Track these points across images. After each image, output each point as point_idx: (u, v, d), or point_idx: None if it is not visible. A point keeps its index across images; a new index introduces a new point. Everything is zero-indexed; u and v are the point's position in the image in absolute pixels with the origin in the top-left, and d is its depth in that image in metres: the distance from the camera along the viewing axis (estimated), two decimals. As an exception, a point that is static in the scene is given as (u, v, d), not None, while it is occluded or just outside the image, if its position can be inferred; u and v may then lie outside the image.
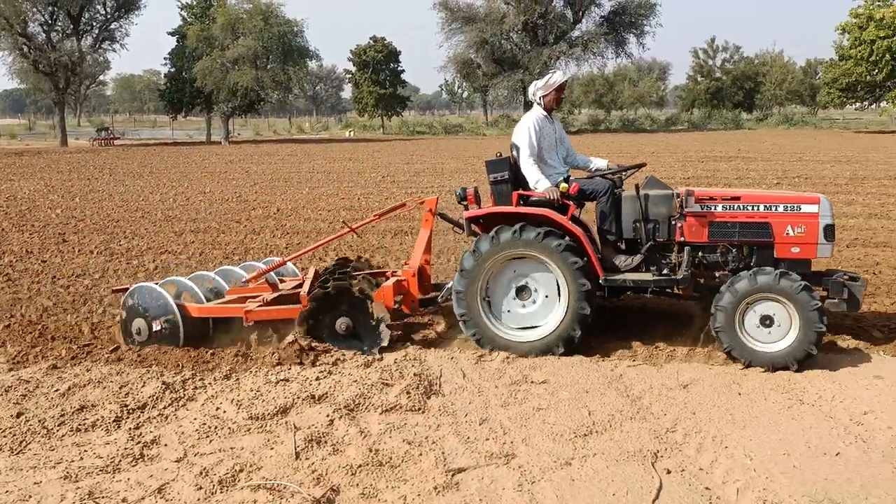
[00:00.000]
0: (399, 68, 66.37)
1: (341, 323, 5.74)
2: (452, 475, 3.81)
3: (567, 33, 49.80)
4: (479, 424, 4.42)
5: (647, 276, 5.79)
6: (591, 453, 4.04)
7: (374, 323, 5.71)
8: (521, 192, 5.95)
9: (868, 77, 45.92)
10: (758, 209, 5.68)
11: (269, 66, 47.97)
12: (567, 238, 5.60)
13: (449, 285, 6.22)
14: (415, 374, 5.12)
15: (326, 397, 4.80)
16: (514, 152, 6.10)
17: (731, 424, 4.39)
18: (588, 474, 3.80)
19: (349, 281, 5.97)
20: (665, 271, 5.76)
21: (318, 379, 5.13)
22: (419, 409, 4.66)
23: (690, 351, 5.74)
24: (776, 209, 5.66)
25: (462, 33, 50.23)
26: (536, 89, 6.15)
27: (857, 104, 52.22)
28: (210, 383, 5.11)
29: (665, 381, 5.11)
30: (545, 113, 6.15)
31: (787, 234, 5.63)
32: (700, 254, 5.79)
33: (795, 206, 5.64)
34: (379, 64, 64.60)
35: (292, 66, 48.72)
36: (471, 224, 6.08)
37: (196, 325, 5.96)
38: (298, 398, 4.74)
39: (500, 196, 5.95)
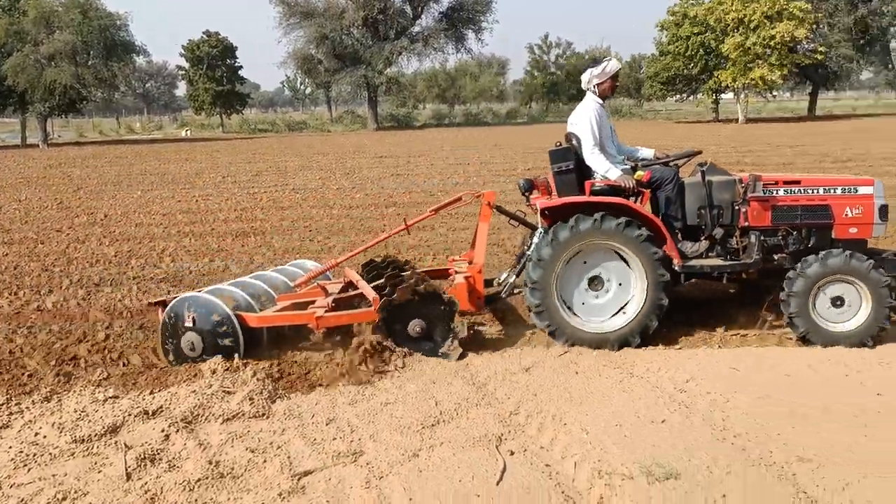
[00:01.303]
0: (236, 64, 64.04)
1: (415, 325, 5.41)
2: (298, 479, 3.71)
3: (407, 29, 50.27)
4: (326, 425, 4.34)
5: (722, 262, 5.83)
6: (438, 443, 4.07)
7: (450, 323, 5.44)
8: (594, 181, 5.85)
9: (685, 71, 49.82)
10: (818, 192, 5.82)
11: (90, 63, 44.66)
12: (645, 228, 5.57)
13: (511, 279, 6.11)
14: (258, 380, 4.94)
15: (161, 411, 4.51)
16: (574, 142, 5.96)
17: (569, 402, 4.58)
18: (435, 464, 3.83)
19: (423, 280, 5.55)
20: (733, 256, 5.84)
21: (151, 393, 4.82)
22: (263, 414, 4.50)
23: (532, 336, 5.93)
24: (835, 192, 5.81)
25: (301, 28, 49.31)
26: (592, 77, 6.02)
27: (677, 96, 56.55)
28: (28, 407, 4.66)
29: (508, 366, 5.25)
30: (601, 101, 6.08)
31: (846, 215, 5.78)
32: (762, 237, 5.82)
33: (853, 188, 5.82)
34: (214, 59, 61.98)
35: (116, 62, 45.68)
36: (545, 214, 5.80)
37: (252, 336, 5.46)
38: (129, 415, 4.43)
39: (564, 186, 5.83)
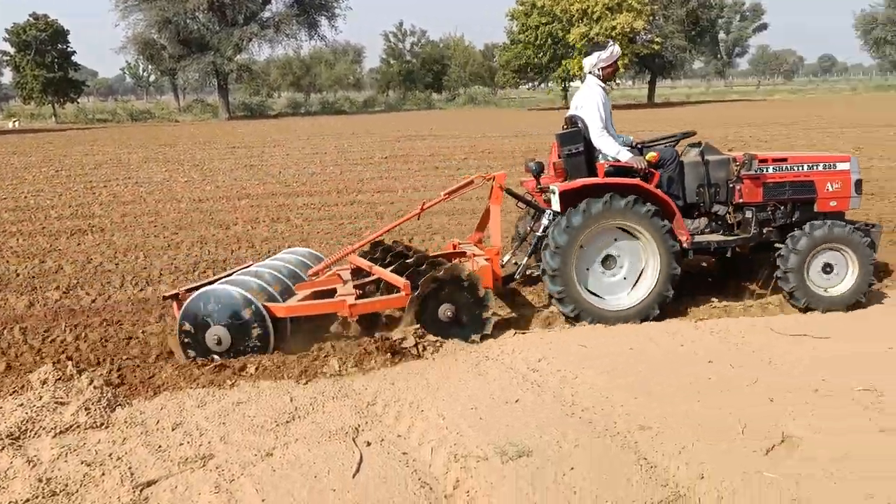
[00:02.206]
0: (69, 49, 59.28)
1: (445, 310, 5.28)
2: (141, 490, 3.48)
3: (257, 14, 48.60)
4: (173, 430, 4.10)
5: (726, 237, 6.08)
6: (293, 439, 3.96)
7: (479, 308, 5.36)
8: (606, 163, 5.94)
9: (535, 60, 51.51)
10: (802, 169, 6.15)
11: None
12: (651, 204, 5.69)
13: (523, 261, 6.18)
14: (95, 387, 4.58)
15: (-18, 430, 4.09)
16: (580, 125, 6.03)
17: (426, 389, 4.59)
18: (290, 461, 3.72)
19: (451, 265, 5.46)
20: (731, 231, 6.10)
21: (-30, 410, 4.36)
22: (102, 424, 4.19)
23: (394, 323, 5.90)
24: (817, 168, 6.17)
25: (141, 11, 46.38)
26: (599, 61, 6.10)
27: (529, 84, 58.41)
28: None
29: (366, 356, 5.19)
30: (604, 85, 6.18)
31: (827, 189, 6.14)
32: (756, 212, 6.07)
33: (832, 164, 6.20)
34: (43, 44, 57.07)
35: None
36: (566, 197, 5.75)
37: (279, 327, 5.17)
38: (-57, 437, 3.98)
39: (574, 169, 5.90)
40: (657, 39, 49.57)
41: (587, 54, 6.25)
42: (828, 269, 6.00)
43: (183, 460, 3.75)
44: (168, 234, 9.89)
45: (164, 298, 5.78)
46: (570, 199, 5.71)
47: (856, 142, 19.78)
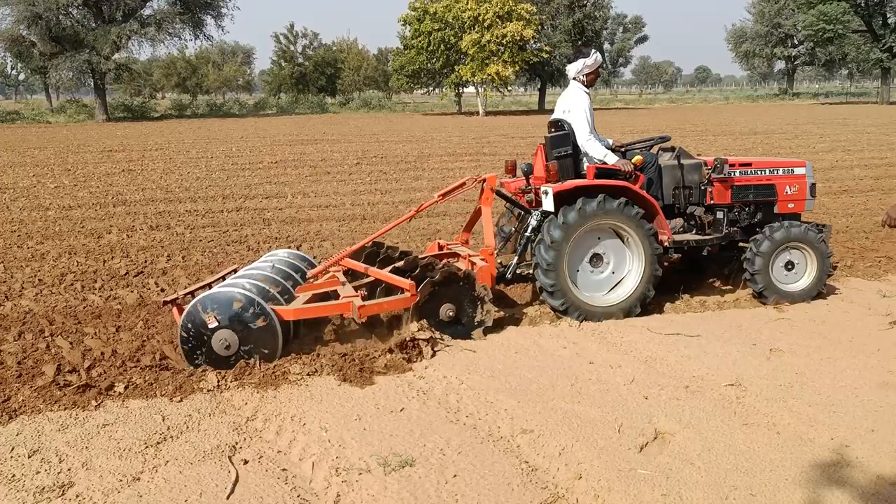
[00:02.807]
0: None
1: (447, 309, 5.43)
2: (-11, 527, 3.19)
3: (137, 11, 46.32)
4: (29, 457, 3.79)
5: (702, 237, 6.40)
6: (163, 462, 3.75)
7: (479, 306, 5.52)
8: (598, 165, 6.16)
9: (428, 65, 51.80)
10: (765, 173, 6.53)
11: None
12: (638, 206, 5.92)
13: (513, 261, 6.26)
14: (-59, 414, 4.19)
15: None
16: (566, 128, 6.27)
17: (309, 401, 4.47)
18: (159, 485, 3.52)
19: (453, 266, 5.61)
20: (705, 231, 6.43)
21: None
22: (-53, 455, 3.82)
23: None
24: (777, 172, 6.56)
25: (7, 6, 43.26)
26: (584, 67, 6.35)
27: (423, 89, 58.66)
28: None
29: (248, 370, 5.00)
30: (587, 90, 6.41)
31: (786, 192, 6.55)
32: (724, 213, 6.40)
33: (790, 169, 6.61)
34: None
35: None
36: (559, 198, 5.90)
37: (284, 330, 5.09)
38: None
39: (562, 171, 6.09)
40: (546, 48, 50.93)
41: (572, 61, 6.44)
42: (790, 267, 6.40)
43: (39, 490, 3.47)
44: (32, 245, 9.21)
45: (164, 304, 5.61)
46: (563, 200, 5.90)
47: (727, 148, 21.00)
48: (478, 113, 49.65)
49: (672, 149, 6.69)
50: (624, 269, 6.10)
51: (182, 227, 10.30)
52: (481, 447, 3.85)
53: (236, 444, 3.94)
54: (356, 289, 5.59)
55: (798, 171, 6.65)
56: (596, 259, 6.10)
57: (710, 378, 4.67)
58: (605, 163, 6.21)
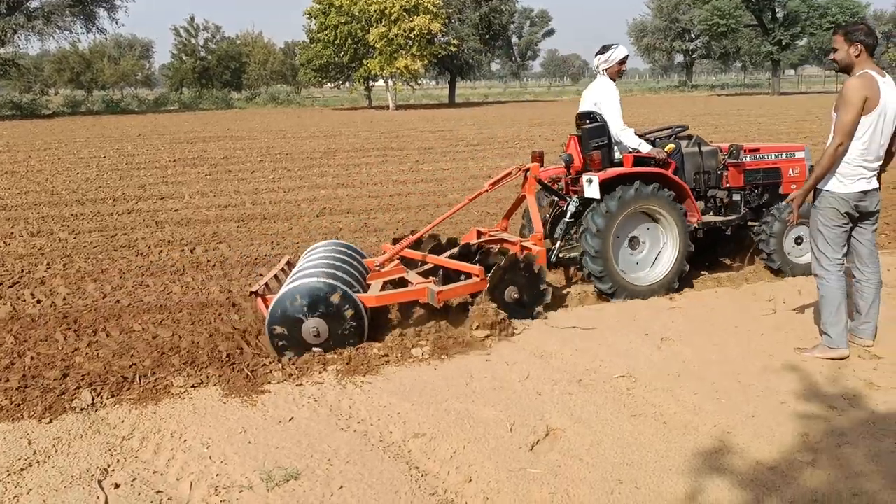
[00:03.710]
0: None
1: (511, 292, 5.71)
2: None
3: (23, 3, 43.75)
4: None
5: (726, 217, 6.93)
6: (25, 490, 3.46)
7: (540, 287, 5.81)
8: (634, 154, 6.48)
9: (336, 59, 51.08)
10: (771, 157, 7.09)
11: None
12: (669, 189, 6.35)
13: (556, 246, 6.50)
14: None
15: None
16: (599, 119, 6.56)
17: (192, 415, 4.24)
18: (17, 518, 3.24)
19: (514, 252, 5.98)
20: (725, 212, 6.97)
21: None
22: None
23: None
24: (781, 156, 7.13)
25: None
26: (600, 63, 6.61)
27: (332, 84, 57.83)
28: None
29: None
30: (614, 82, 6.65)
31: (790, 174, 7.12)
32: (741, 195, 6.96)
33: (792, 153, 7.19)
34: None
35: None
36: (604, 185, 6.17)
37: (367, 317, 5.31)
38: None
39: (591, 160, 6.35)
40: (454, 41, 51.11)
41: (598, 54, 6.70)
42: (799, 241, 7.00)
43: None
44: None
45: (250, 294, 5.76)
46: (607, 187, 6.19)
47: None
48: (388, 107, 49.37)
49: (690, 137, 7.16)
50: (660, 250, 6.54)
51: (66, 232, 9.72)
52: (371, 455, 3.74)
53: (108, 466, 3.69)
54: (423, 276, 5.93)
55: (798, 154, 7.25)
56: (634, 241, 6.52)
57: (602, 370, 4.71)
58: (639, 151, 6.55)
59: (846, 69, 4.63)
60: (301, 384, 4.65)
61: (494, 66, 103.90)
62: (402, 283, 5.86)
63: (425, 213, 10.84)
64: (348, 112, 47.09)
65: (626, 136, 6.57)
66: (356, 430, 4.03)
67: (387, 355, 5.05)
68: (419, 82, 54.90)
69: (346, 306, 5.11)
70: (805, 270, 6.76)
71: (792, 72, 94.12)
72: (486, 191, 6.66)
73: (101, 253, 8.54)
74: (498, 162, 16.97)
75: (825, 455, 3.51)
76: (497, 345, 5.22)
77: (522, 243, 6.33)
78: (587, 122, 6.66)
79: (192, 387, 4.64)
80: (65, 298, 6.79)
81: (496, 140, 22.78)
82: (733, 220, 6.96)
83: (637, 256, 6.54)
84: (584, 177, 6.26)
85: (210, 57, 69.84)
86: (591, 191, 6.17)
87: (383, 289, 5.68)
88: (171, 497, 3.42)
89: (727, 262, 7.57)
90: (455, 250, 6.34)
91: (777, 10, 62.34)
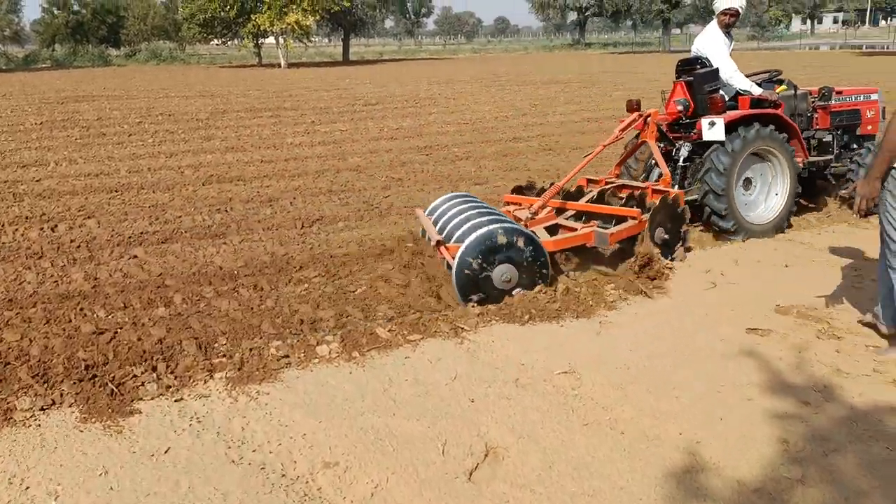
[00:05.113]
0: None
1: (660, 233, 5.72)
2: None
3: None
4: None
5: (825, 157, 7.18)
6: None
7: (681, 228, 5.88)
8: (746, 95, 6.64)
9: (222, 13, 48.11)
10: (850, 99, 7.42)
11: None
12: (783, 131, 6.54)
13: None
14: None
15: None
16: (708, 64, 6.68)
17: (39, 450, 3.34)
18: None
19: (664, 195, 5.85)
20: (820, 153, 7.25)
21: None
22: None
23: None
24: (860, 98, 7.47)
25: None
26: (717, 10, 6.72)
27: (218, 40, 54.59)
28: None
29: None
30: (724, 30, 6.76)
31: (867, 116, 7.48)
32: (833, 136, 7.27)
33: (867, 95, 7.55)
34: None
35: None
36: (729, 126, 6.27)
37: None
38: None
39: (713, 103, 6.40)
40: (347, -3, 49.24)
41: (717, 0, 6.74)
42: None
43: None
44: None
45: (435, 245, 5.29)
46: (728, 129, 6.25)
47: (530, 98, 21.15)
48: (280, 65, 47.08)
49: (782, 81, 7.22)
50: (773, 190, 6.68)
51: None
52: (270, 497, 2.97)
53: (-85, 538, 2.77)
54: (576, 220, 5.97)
55: (873, 96, 7.59)
56: (746, 182, 6.62)
57: (539, 366, 4.09)
58: (751, 93, 6.66)
59: None
60: (181, 399, 3.81)
61: (388, 24, 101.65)
62: (554, 229, 5.88)
63: (324, 180, 9.92)
64: (237, 70, 44.56)
65: (738, 79, 6.70)
66: (251, 461, 3.24)
67: (287, 356, 4.26)
68: (311, 39, 52.70)
69: (531, 248, 5.02)
70: None
71: (678, 30, 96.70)
72: (619, 137, 6.54)
73: (-62, 235, 7.20)
74: (399, 122, 16.09)
75: (813, 467, 3.02)
76: (422, 342, 4.50)
77: (654, 187, 6.23)
78: (698, 66, 6.77)
79: (42, 409, 3.71)
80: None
81: (395, 99, 21.80)
82: (831, 160, 7.25)
83: (748, 197, 6.66)
84: (705, 120, 6.33)
85: (84, 10, 64.44)
86: (715, 133, 6.26)
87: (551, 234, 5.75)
88: (-1, 583, 2.56)
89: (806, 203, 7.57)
90: (592, 195, 6.39)
91: (667, -32, 63.48)
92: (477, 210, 5.53)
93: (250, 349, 4.30)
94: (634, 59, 50.34)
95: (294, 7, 44.81)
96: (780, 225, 6.66)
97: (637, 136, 6.91)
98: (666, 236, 5.77)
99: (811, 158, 7.08)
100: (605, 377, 3.91)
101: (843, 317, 4.68)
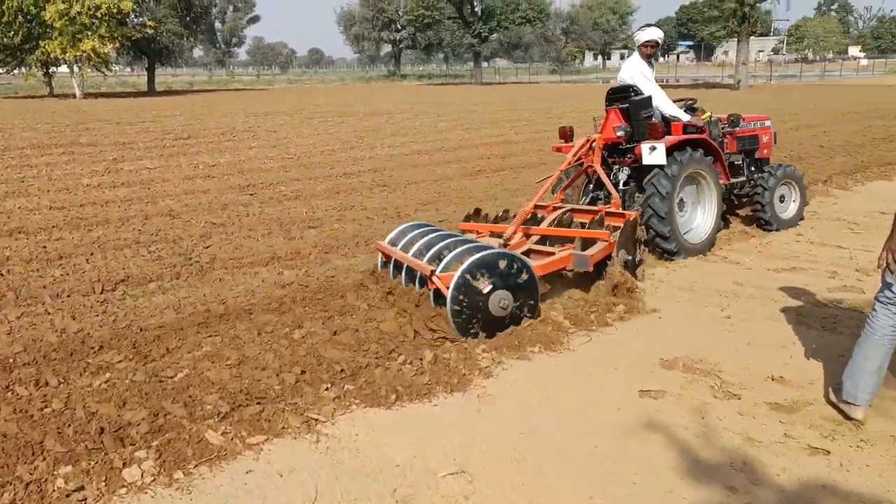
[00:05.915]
0: None
1: (623, 254, 5.79)
2: None
3: None
4: None
5: (742, 178, 7.74)
6: None
7: (638, 248, 6.04)
8: (685, 122, 7.03)
9: (6, 39, 43.23)
10: (751, 126, 7.89)
11: None
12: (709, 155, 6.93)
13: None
14: None
15: None
16: (641, 91, 6.93)
17: None
18: None
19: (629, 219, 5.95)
20: (735, 175, 7.68)
21: None
22: None
23: None
24: (758, 125, 7.99)
25: None
26: (638, 40, 7.16)
27: (1, 68, 49.03)
28: None
29: None
30: (645, 60, 7.15)
31: (763, 141, 8.02)
32: (741, 160, 7.79)
33: (763, 122, 8.08)
34: None
35: None
36: (669, 151, 6.49)
37: None
38: None
39: (653, 129, 6.56)
40: (150, 23, 46.05)
41: (637, 32, 7.19)
42: (782, 199, 7.92)
43: None
44: None
45: (431, 274, 4.80)
46: (670, 153, 6.46)
47: (355, 130, 20.47)
48: (74, 95, 42.96)
49: (694, 109, 7.51)
50: (702, 210, 7.00)
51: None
52: None
53: None
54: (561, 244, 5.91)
55: (767, 123, 8.15)
56: (681, 204, 6.79)
57: (420, 466, 3.31)
58: (680, 119, 7.00)
59: None
60: None
61: (197, 53, 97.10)
62: (527, 255, 5.66)
63: (129, 229, 8.52)
64: (23, 101, 40.02)
65: (668, 106, 7.03)
66: None
67: (82, 488, 3.16)
68: (111, 68, 48.75)
69: (523, 272, 4.88)
70: (788, 225, 7.91)
71: (485, 63, 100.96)
72: (572, 164, 6.81)
73: None
74: (216, 158, 14.71)
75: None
76: (267, 445, 3.55)
77: (607, 210, 6.31)
78: (632, 94, 6.94)
79: None
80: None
81: (210, 132, 20.21)
82: (744, 182, 7.79)
83: (682, 218, 6.83)
84: (645, 145, 6.48)
85: None
86: (656, 157, 6.42)
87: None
88: None
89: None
90: (552, 218, 6.35)
91: (475, 4, 65.93)
92: (453, 237, 5.40)
93: (26, 484, 3.14)
94: (450, 90, 51.44)
95: (90, 34, 41.18)
96: (712, 242, 7.07)
97: (579, 161, 7.03)
98: (629, 257, 5.93)
99: (734, 179, 7.65)
100: (500, 476, 3.21)
101: (729, 367, 4.34)
